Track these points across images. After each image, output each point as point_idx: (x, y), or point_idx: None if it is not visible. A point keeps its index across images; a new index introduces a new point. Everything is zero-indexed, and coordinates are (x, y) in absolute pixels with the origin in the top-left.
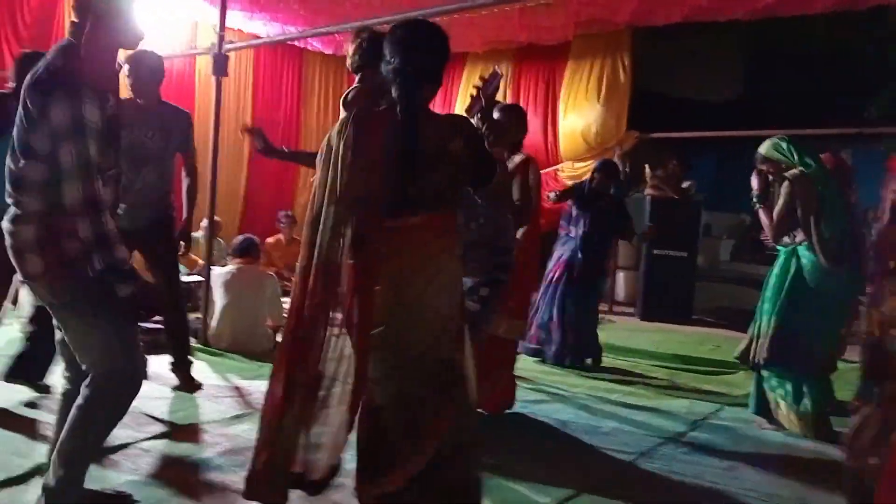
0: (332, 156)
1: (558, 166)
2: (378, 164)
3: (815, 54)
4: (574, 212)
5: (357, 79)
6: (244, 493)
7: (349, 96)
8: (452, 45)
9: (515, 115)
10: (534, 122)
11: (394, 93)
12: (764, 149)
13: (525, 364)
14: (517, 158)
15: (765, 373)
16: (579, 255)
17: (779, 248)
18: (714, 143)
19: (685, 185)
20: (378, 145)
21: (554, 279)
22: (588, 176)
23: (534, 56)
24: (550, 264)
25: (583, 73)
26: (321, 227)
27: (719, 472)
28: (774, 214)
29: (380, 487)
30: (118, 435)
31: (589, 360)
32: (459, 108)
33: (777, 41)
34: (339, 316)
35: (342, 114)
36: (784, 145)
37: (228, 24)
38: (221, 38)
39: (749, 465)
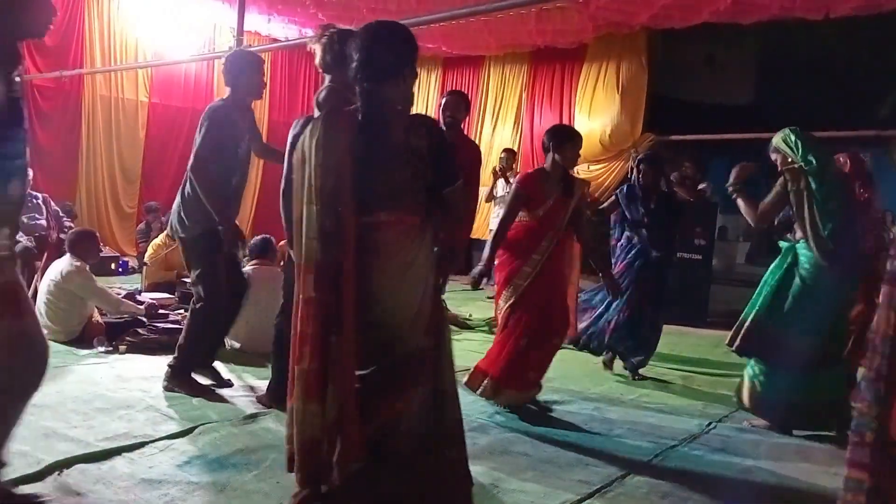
0: (305, 156)
1: (574, 169)
2: (347, 163)
3: (830, 57)
4: (629, 214)
5: (328, 78)
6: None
7: (321, 96)
8: (469, 48)
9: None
10: (550, 125)
11: (359, 92)
12: (775, 139)
13: None
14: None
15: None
16: (653, 254)
17: (780, 243)
18: (729, 146)
19: (700, 187)
20: (346, 145)
21: (629, 285)
22: (633, 175)
23: (550, 59)
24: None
25: (599, 76)
26: (304, 227)
27: (734, 475)
28: (761, 202)
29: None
30: (134, 433)
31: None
32: (478, 110)
33: (792, 44)
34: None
35: (315, 113)
36: (792, 138)
37: (247, 26)
38: (240, 41)
39: (764, 468)
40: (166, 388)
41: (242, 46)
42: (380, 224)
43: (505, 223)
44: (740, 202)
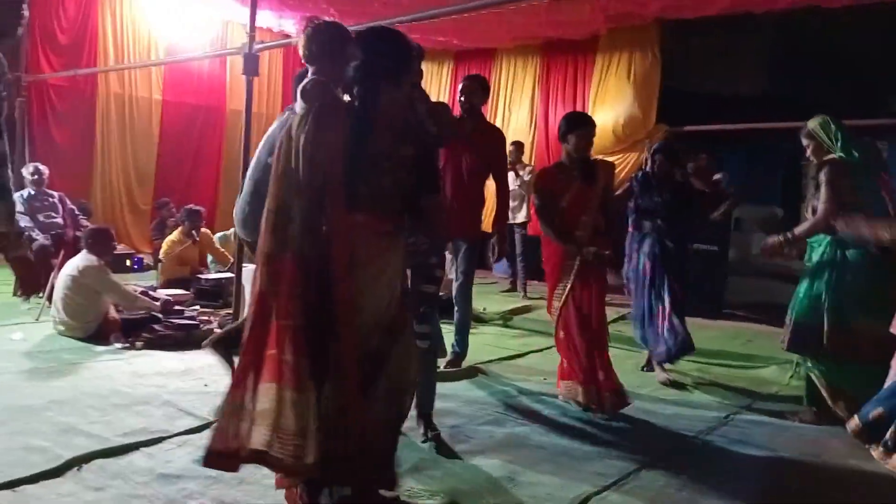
0: (293, 149)
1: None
2: (337, 160)
3: (844, 46)
4: (643, 202)
5: (311, 70)
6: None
7: (307, 87)
8: (481, 41)
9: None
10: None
11: (356, 94)
12: (812, 123)
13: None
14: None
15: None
16: (668, 244)
17: (810, 241)
18: (744, 137)
19: (716, 177)
20: (337, 141)
21: (646, 277)
22: (648, 165)
23: (562, 50)
24: (633, 265)
25: (612, 68)
26: (291, 219)
27: (752, 466)
28: (820, 203)
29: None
30: (152, 429)
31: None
32: (490, 103)
33: (806, 33)
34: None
35: (298, 102)
36: (833, 127)
37: (259, 23)
38: (252, 38)
39: (783, 459)
40: None
41: (255, 43)
42: (358, 225)
43: (548, 222)
44: (803, 225)
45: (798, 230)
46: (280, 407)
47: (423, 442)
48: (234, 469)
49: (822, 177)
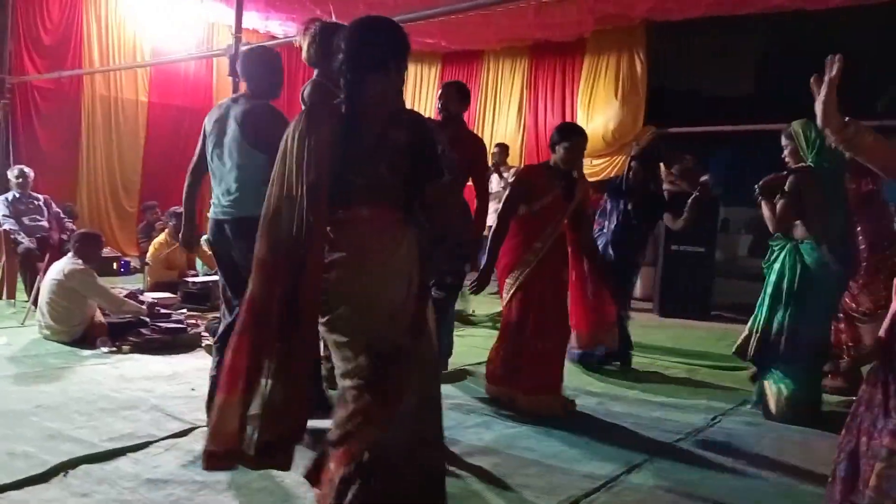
0: (288, 150)
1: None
2: (327, 157)
3: (831, 48)
4: (608, 205)
5: (317, 73)
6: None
7: (306, 91)
8: (468, 42)
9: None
10: (551, 119)
11: (342, 85)
12: (795, 125)
13: None
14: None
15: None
16: (610, 251)
17: (771, 244)
18: (731, 138)
19: (702, 179)
20: (328, 139)
21: None
22: (625, 168)
23: (550, 52)
24: None
25: (599, 70)
26: (281, 220)
27: (739, 468)
28: (777, 207)
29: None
30: (139, 433)
31: (616, 363)
32: (478, 105)
33: (793, 34)
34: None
35: (303, 108)
36: (812, 134)
37: (244, 24)
38: (238, 40)
39: (768, 461)
40: None
41: (241, 44)
42: (358, 219)
43: (505, 216)
44: (764, 208)
45: (766, 209)
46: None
47: None
48: (232, 467)
49: (786, 186)
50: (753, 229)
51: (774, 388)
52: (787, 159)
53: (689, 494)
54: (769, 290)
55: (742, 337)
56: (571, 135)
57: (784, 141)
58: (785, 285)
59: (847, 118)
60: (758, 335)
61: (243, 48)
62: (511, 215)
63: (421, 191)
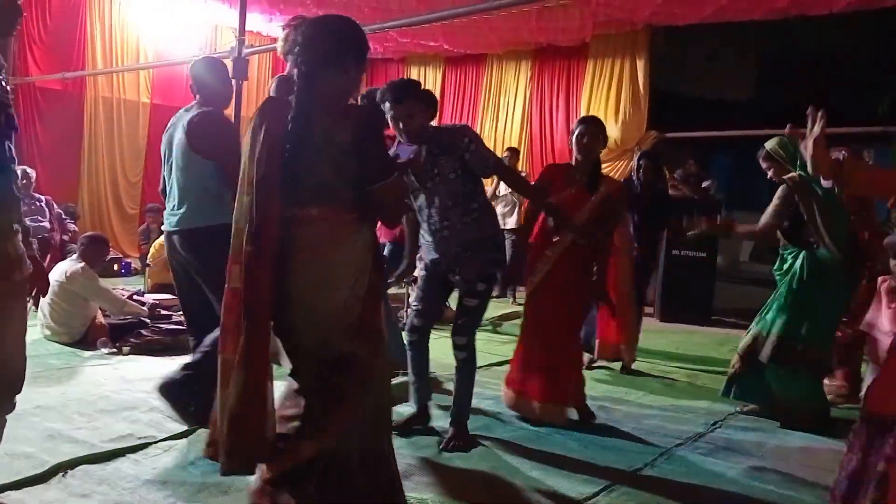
0: (246, 145)
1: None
2: (276, 153)
3: (832, 53)
4: None
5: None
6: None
7: (272, 87)
8: (471, 46)
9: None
10: (555, 123)
11: (294, 82)
12: (769, 145)
13: None
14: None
15: (770, 368)
16: (634, 253)
17: (783, 251)
18: (732, 143)
19: (704, 184)
20: (278, 135)
21: None
22: (634, 171)
23: (553, 57)
24: None
25: (602, 74)
26: (240, 215)
27: (739, 473)
28: (769, 212)
29: (271, 468)
30: (138, 434)
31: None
32: (481, 108)
33: (794, 39)
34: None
35: None
36: (791, 148)
37: (248, 27)
38: (241, 42)
39: (769, 466)
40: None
41: (244, 47)
42: (308, 219)
43: (528, 215)
44: (738, 233)
45: (740, 228)
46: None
47: (445, 450)
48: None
49: (779, 191)
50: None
51: (783, 393)
52: (772, 178)
53: (689, 500)
54: (787, 298)
55: (749, 339)
56: (582, 122)
57: (764, 164)
58: (802, 294)
59: (836, 157)
60: (775, 342)
61: (198, 58)
62: (533, 216)
63: (369, 191)
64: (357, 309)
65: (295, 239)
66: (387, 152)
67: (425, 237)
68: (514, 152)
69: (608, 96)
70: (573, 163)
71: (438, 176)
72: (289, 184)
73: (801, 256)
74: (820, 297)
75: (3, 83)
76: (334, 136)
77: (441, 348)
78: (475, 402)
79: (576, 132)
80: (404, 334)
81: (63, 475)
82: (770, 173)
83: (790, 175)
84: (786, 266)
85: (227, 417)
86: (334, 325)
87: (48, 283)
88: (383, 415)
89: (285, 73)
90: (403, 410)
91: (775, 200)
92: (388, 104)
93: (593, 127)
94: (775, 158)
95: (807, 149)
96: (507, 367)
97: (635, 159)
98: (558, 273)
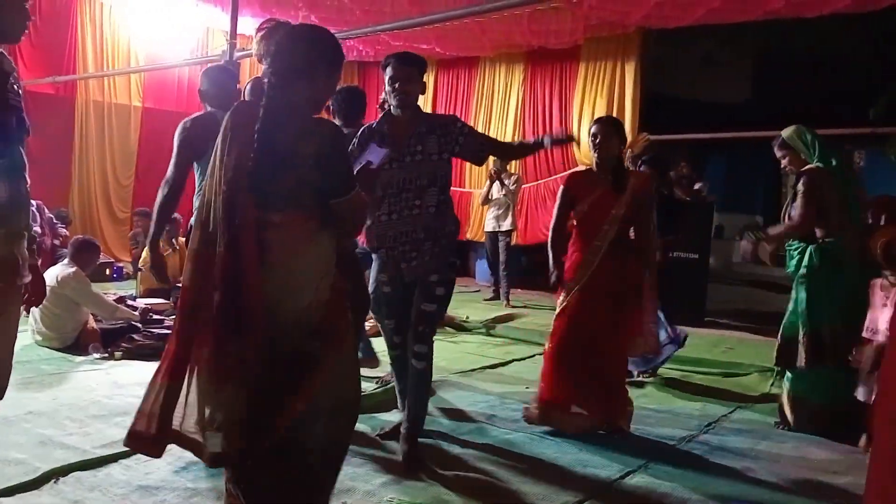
0: (216, 147)
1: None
2: (244, 158)
3: (825, 55)
4: None
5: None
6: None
7: (247, 89)
8: (463, 49)
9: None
10: (548, 126)
11: (265, 90)
12: (786, 133)
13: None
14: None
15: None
16: None
17: (788, 248)
18: (725, 145)
19: (697, 186)
20: (246, 139)
21: None
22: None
23: (545, 59)
24: None
25: (594, 77)
26: (212, 216)
27: (732, 475)
28: (795, 210)
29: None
30: None
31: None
32: (473, 111)
33: (787, 42)
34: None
35: None
36: (808, 136)
37: (240, 30)
38: (233, 46)
39: (762, 468)
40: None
41: (236, 50)
42: (271, 224)
43: (555, 227)
44: (773, 236)
45: (772, 231)
46: (203, 399)
47: (404, 461)
48: (158, 453)
49: (801, 186)
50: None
51: (793, 396)
52: (787, 168)
53: (683, 501)
54: (802, 295)
55: (780, 345)
56: (596, 122)
57: (779, 152)
58: (816, 288)
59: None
60: (805, 342)
61: (210, 66)
62: (561, 225)
63: (330, 204)
64: (320, 313)
65: (261, 243)
66: (350, 167)
67: (386, 218)
68: None
69: (600, 99)
70: (594, 166)
71: (421, 154)
72: (254, 189)
73: (807, 251)
74: (837, 285)
75: (15, 87)
76: (299, 148)
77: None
78: (468, 406)
79: (590, 133)
80: (388, 351)
81: (55, 481)
82: (784, 162)
83: (811, 166)
84: (794, 262)
85: (230, 418)
86: (294, 326)
87: (45, 295)
88: (341, 414)
89: (260, 77)
90: (392, 418)
91: (801, 193)
92: (390, 67)
93: (606, 126)
94: (791, 147)
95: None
96: (500, 371)
97: (630, 163)
98: (606, 270)
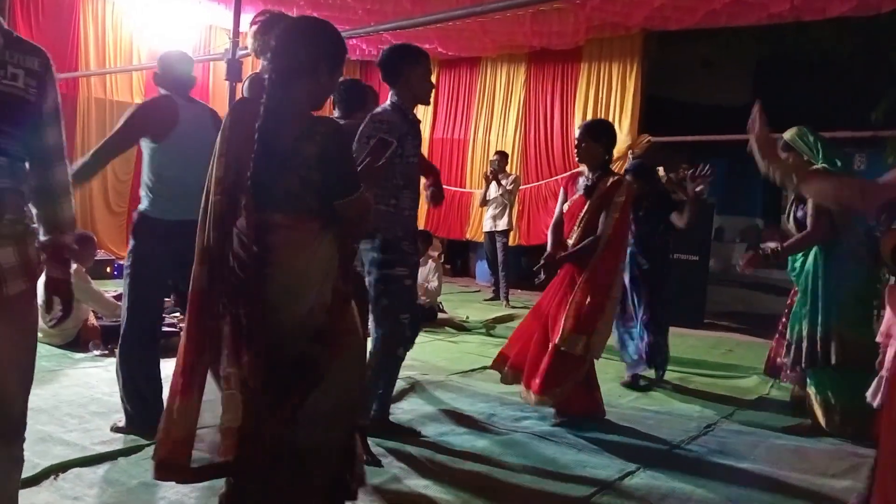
0: (216, 146)
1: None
2: (244, 157)
3: (825, 58)
4: None
5: (261, 67)
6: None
7: (245, 86)
8: (466, 49)
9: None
10: (549, 127)
11: (265, 88)
12: (788, 135)
13: None
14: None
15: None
16: (639, 260)
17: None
18: (726, 147)
19: (697, 188)
20: (246, 138)
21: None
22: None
23: (547, 60)
24: None
25: (595, 78)
26: (208, 217)
27: (731, 476)
28: (811, 214)
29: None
30: (130, 437)
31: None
32: (475, 111)
33: (788, 45)
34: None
35: None
36: (810, 138)
37: (242, 28)
38: (235, 44)
39: (762, 469)
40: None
41: (238, 48)
42: (273, 225)
43: (554, 222)
44: (787, 250)
45: (788, 244)
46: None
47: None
48: (198, 479)
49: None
50: (747, 238)
51: (820, 399)
52: None
53: (683, 502)
54: (806, 296)
55: (792, 348)
56: (579, 128)
57: (783, 154)
58: (821, 290)
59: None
60: (805, 342)
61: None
62: (559, 220)
63: (334, 206)
64: (322, 316)
65: (261, 245)
66: (354, 167)
67: (409, 213)
68: (502, 156)
69: (602, 100)
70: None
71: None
72: (255, 189)
73: (811, 253)
74: (846, 285)
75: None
76: (301, 147)
77: (434, 350)
78: (466, 406)
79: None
80: (397, 350)
81: (55, 478)
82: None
83: (814, 167)
84: (797, 265)
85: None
86: (297, 330)
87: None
88: (341, 416)
89: (258, 73)
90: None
91: (811, 202)
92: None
93: (584, 133)
94: (794, 149)
95: (753, 149)
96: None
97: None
98: (565, 270)
